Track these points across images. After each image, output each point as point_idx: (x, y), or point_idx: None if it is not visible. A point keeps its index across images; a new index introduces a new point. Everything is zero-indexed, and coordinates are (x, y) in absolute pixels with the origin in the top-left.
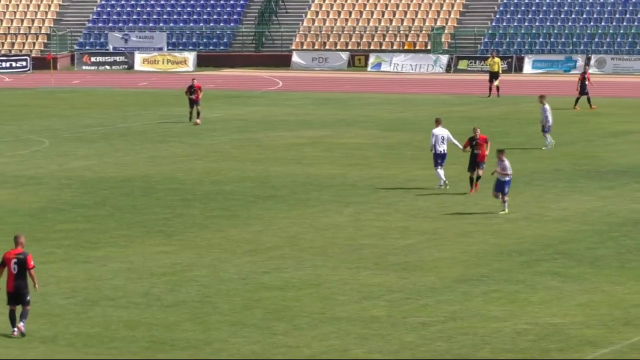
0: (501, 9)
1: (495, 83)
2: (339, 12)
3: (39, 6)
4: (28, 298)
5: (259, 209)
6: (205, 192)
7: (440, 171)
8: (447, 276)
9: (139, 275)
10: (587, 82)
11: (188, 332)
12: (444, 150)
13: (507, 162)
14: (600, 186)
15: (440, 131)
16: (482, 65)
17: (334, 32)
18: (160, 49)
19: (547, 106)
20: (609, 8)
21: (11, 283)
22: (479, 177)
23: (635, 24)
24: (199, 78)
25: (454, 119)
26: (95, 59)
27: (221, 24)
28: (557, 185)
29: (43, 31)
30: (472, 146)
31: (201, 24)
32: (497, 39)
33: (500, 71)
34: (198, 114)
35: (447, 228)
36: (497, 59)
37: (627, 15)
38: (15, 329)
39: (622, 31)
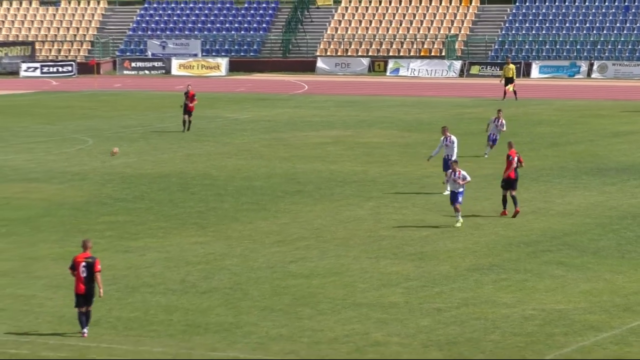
0: (510, 18)
1: (510, 88)
2: (360, 21)
3: (83, 15)
4: (93, 299)
5: (286, 203)
6: (237, 187)
7: None
8: (460, 265)
9: (175, 264)
10: None
11: (221, 316)
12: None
13: (463, 172)
14: (602, 182)
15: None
16: (493, 70)
17: (355, 39)
18: (195, 55)
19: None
20: (610, 17)
21: (82, 286)
22: (505, 196)
23: (635, 32)
24: (230, 82)
25: (466, 120)
26: (135, 64)
27: (251, 32)
28: (562, 181)
29: (87, 38)
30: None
31: (233, 32)
32: (506, 46)
33: (515, 77)
34: (190, 123)
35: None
36: (512, 66)
37: (627, 24)
38: (85, 330)
39: (622, 39)
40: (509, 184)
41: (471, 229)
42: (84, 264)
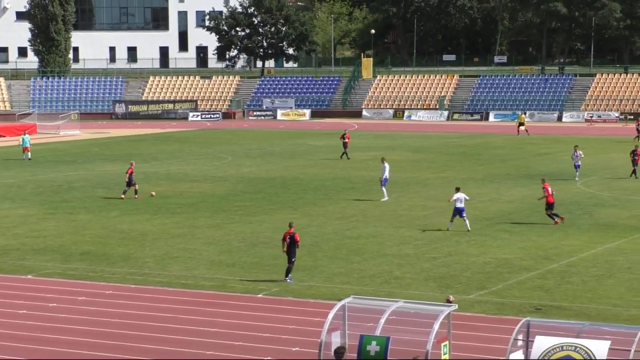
0: (477, 85)
1: (523, 128)
2: (388, 88)
3: (226, 84)
4: (293, 259)
5: (345, 195)
6: (315, 185)
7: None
8: (447, 232)
9: (279, 230)
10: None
11: (305, 261)
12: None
13: (463, 194)
14: (531, 182)
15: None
16: (467, 117)
17: (385, 98)
18: (291, 107)
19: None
20: (536, 85)
21: (288, 249)
22: (553, 213)
23: (550, 94)
24: (312, 124)
25: (450, 145)
26: (256, 113)
27: (324, 94)
28: (508, 182)
29: (228, 97)
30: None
31: (313, 94)
32: (474, 102)
33: (525, 122)
34: (346, 154)
35: (447, 206)
36: (523, 115)
37: (546, 89)
38: (288, 278)
39: (543, 98)
40: (549, 206)
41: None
42: (289, 236)
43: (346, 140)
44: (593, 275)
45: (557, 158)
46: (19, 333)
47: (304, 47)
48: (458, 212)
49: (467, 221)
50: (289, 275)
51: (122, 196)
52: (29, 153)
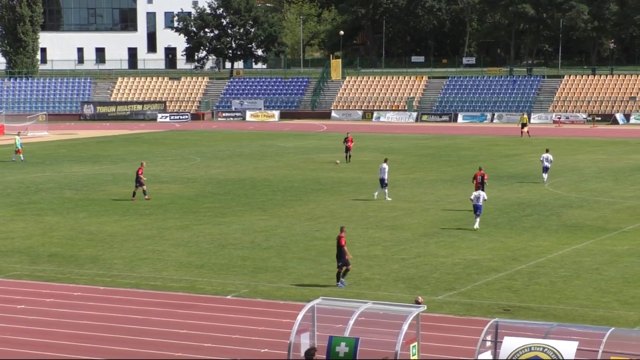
0: (445, 86)
1: (525, 129)
2: (357, 89)
3: (195, 85)
4: (340, 263)
5: (313, 196)
6: (284, 186)
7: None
8: (416, 233)
9: (248, 232)
10: None
11: (275, 262)
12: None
13: (483, 193)
14: (499, 184)
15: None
16: (436, 118)
17: (354, 99)
18: (260, 108)
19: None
20: (504, 87)
21: (339, 254)
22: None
23: (519, 95)
24: (281, 125)
25: (419, 147)
26: (225, 114)
27: (293, 95)
28: None
29: (197, 99)
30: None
31: (282, 95)
32: (443, 104)
33: (528, 122)
34: (349, 157)
35: (416, 207)
36: (525, 116)
37: (515, 91)
38: (339, 283)
39: (511, 99)
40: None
41: (423, 211)
42: (342, 240)
43: (349, 143)
44: (561, 276)
45: (525, 159)
46: None
47: (273, 48)
48: (476, 209)
49: (479, 220)
50: (344, 279)
51: (134, 198)
52: (20, 155)
